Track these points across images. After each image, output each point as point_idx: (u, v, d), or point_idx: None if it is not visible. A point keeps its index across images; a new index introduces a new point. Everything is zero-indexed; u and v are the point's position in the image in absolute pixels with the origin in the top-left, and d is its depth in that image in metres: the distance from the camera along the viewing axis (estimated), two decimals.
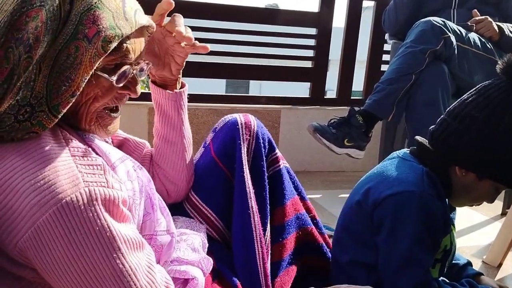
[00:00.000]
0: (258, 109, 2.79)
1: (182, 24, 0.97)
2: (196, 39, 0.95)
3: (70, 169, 0.70)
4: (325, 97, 3.05)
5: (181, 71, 1.06)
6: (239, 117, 1.16)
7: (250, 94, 10.29)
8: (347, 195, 1.26)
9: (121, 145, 1.10)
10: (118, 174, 0.79)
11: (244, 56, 2.95)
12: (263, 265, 1.11)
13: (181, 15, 0.98)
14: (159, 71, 1.04)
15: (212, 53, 2.87)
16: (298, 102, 2.97)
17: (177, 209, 1.16)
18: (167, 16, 0.98)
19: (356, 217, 1.14)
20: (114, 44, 0.73)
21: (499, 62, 1.05)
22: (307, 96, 3.05)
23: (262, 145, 1.16)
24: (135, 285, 0.73)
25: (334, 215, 2.08)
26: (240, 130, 1.13)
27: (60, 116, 0.72)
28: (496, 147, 1.03)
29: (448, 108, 1.12)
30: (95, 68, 0.73)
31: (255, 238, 1.10)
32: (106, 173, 0.73)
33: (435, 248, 1.09)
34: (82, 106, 0.79)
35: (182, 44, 0.99)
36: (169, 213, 0.93)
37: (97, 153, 0.80)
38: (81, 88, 0.72)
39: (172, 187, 1.14)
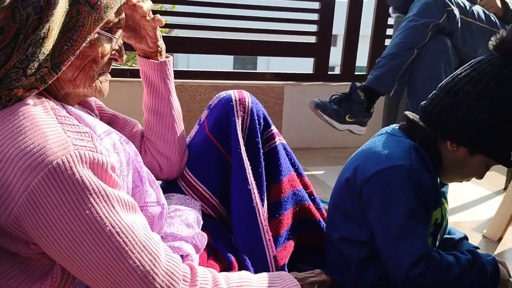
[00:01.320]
0: (261, 86, 2.78)
1: None
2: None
3: (59, 134, 0.72)
4: (329, 72, 3.03)
5: (161, 43, 1.10)
6: (234, 94, 1.16)
7: (257, 71, 10.25)
8: None
9: (111, 122, 1.12)
10: (104, 146, 0.80)
11: (246, 31, 2.92)
12: (268, 238, 1.12)
13: None
14: (137, 43, 1.09)
15: (214, 28, 2.87)
16: (302, 78, 2.95)
17: (172, 187, 1.18)
18: None
19: (345, 195, 1.14)
20: (114, 10, 0.82)
21: (491, 39, 1.04)
22: (311, 72, 3.04)
23: (257, 121, 1.16)
24: (134, 240, 0.75)
25: None
26: (234, 107, 1.13)
27: (60, 73, 0.78)
28: (489, 122, 1.02)
29: (441, 84, 1.11)
30: (96, 30, 0.80)
31: (257, 212, 1.11)
32: (94, 140, 0.75)
33: (429, 220, 1.09)
34: (81, 71, 0.84)
35: (148, 18, 1.03)
36: (159, 186, 0.95)
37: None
38: (81, 48, 0.79)
39: (164, 161, 1.15)
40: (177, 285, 0.79)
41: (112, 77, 0.94)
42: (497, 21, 2.16)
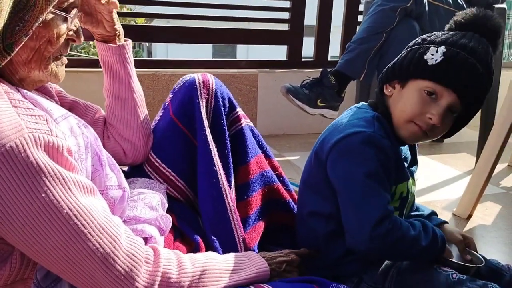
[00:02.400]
0: (235, 74, 2.78)
1: None
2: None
3: (12, 117, 0.71)
4: (302, 59, 3.04)
5: (118, 27, 1.09)
6: (197, 76, 1.15)
7: (235, 59, 10.21)
8: None
9: (71, 108, 1.10)
10: (60, 129, 0.79)
11: (217, 20, 2.91)
12: (236, 219, 1.12)
13: None
14: (94, 28, 1.07)
15: (183, 17, 2.85)
16: (276, 66, 2.95)
17: (137, 172, 1.17)
18: None
19: (313, 168, 1.16)
20: None
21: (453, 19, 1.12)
22: (285, 59, 3.04)
23: (221, 103, 1.16)
24: (92, 223, 0.73)
25: None
26: (198, 89, 1.13)
27: (12, 55, 0.76)
28: (405, 51, 1.13)
29: None
30: (49, 10, 0.78)
31: (224, 193, 1.11)
32: (49, 123, 0.74)
33: (389, 186, 1.09)
34: (36, 53, 0.83)
35: (103, 1, 1.02)
36: (120, 170, 0.94)
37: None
38: (34, 28, 0.77)
39: (128, 146, 1.14)
40: (139, 267, 0.78)
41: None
42: (464, 4, 2.19)
